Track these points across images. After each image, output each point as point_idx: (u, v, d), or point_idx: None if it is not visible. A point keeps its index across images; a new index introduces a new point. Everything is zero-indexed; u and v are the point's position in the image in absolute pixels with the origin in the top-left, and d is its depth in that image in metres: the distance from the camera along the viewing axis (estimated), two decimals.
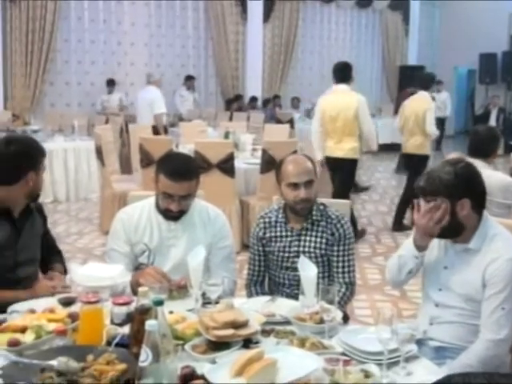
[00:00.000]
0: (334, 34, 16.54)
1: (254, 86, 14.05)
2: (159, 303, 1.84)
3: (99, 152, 7.26)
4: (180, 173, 2.86)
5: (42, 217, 3.10)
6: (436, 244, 2.67)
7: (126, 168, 8.73)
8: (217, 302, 2.48)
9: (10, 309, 2.50)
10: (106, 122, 9.88)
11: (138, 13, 13.08)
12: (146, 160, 6.58)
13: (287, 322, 2.40)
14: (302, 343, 2.18)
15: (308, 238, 3.04)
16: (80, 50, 12.50)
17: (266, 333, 2.31)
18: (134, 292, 2.71)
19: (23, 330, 2.20)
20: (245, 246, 6.18)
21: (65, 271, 2.72)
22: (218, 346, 2.14)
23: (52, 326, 2.18)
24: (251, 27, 14.31)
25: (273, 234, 3.09)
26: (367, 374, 1.96)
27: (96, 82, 12.43)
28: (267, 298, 2.77)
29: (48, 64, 11.69)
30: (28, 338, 2.14)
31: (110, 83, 12.17)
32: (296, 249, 3.04)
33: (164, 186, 2.88)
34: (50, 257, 3.13)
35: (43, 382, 1.78)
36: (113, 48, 12.94)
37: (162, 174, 2.88)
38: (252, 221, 6.35)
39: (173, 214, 2.93)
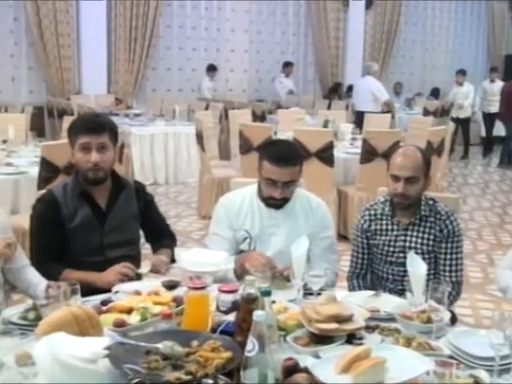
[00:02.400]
0: (438, 21, 15.98)
1: (353, 75, 13.77)
2: (267, 293, 1.81)
3: (200, 137, 7.34)
4: (284, 158, 2.83)
5: (143, 198, 3.07)
6: None
7: (224, 154, 8.82)
8: (318, 294, 2.45)
9: (114, 288, 2.55)
10: (206, 107, 10.00)
11: None
12: (246, 146, 6.60)
13: (392, 319, 2.33)
14: (408, 342, 2.09)
15: (415, 234, 2.94)
16: (182, 36, 12.68)
17: (370, 329, 2.24)
18: (237, 276, 2.71)
19: (129, 311, 2.23)
20: (341, 237, 6.10)
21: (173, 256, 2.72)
22: (321, 339, 2.09)
23: (157, 309, 2.20)
24: (353, 14, 14.00)
25: (378, 227, 3.01)
26: (477, 380, 1.88)
27: (197, 67, 12.58)
28: (371, 292, 2.69)
29: (150, 50, 11.92)
30: (133, 319, 2.17)
31: (211, 68, 12.20)
32: (402, 243, 2.95)
33: (267, 171, 2.85)
34: (159, 240, 3.13)
35: (149, 364, 1.78)
36: (213, 34, 13.05)
37: (266, 159, 2.85)
38: (349, 211, 6.27)
39: (276, 201, 2.90)
